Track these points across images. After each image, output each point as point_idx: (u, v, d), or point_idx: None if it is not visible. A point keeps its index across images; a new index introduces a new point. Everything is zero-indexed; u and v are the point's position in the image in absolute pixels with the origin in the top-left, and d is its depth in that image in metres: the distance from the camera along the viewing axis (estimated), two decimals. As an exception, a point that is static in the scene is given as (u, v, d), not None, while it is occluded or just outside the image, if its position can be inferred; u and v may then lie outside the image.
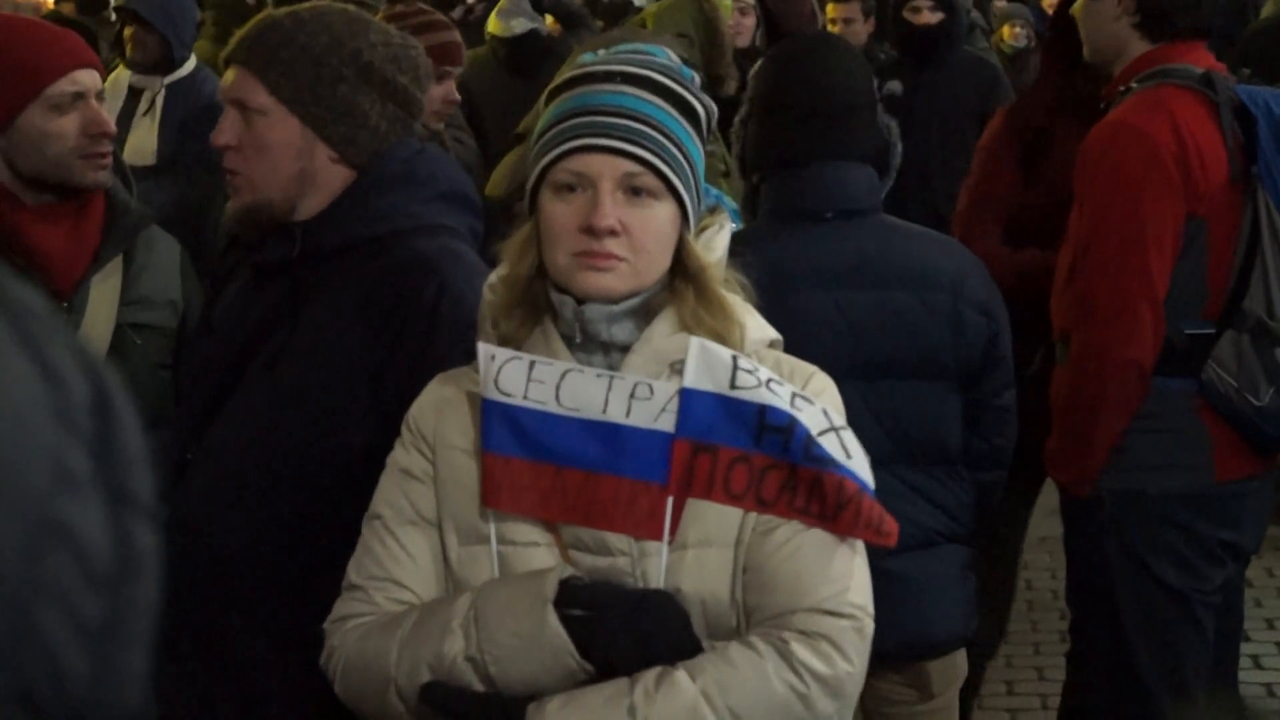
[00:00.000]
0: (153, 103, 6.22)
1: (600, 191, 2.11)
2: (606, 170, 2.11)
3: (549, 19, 7.73)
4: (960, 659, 3.32)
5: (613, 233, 2.10)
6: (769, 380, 2.13)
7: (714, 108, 2.27)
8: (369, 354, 2.53)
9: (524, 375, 2.14)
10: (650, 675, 2.03)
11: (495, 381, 2.14)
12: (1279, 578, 5.91)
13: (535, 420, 2.13)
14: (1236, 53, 4.54)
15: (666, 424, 2.11)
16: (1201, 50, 3.45)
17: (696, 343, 2.12)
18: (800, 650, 2.04)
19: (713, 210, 2.28)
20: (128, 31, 6.53)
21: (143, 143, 6.25)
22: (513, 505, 2.15)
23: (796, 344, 2.86)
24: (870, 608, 2.12)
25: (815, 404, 2.15)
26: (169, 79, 6.37)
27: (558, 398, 2.12)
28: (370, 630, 2.17)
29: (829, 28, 7.20)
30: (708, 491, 2.11)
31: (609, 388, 2.12)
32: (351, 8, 2.75)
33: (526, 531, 2.16)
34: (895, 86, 5.74)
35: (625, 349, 2.16)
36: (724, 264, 2.24)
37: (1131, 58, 3.41)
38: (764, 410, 2.10)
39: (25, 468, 0.67)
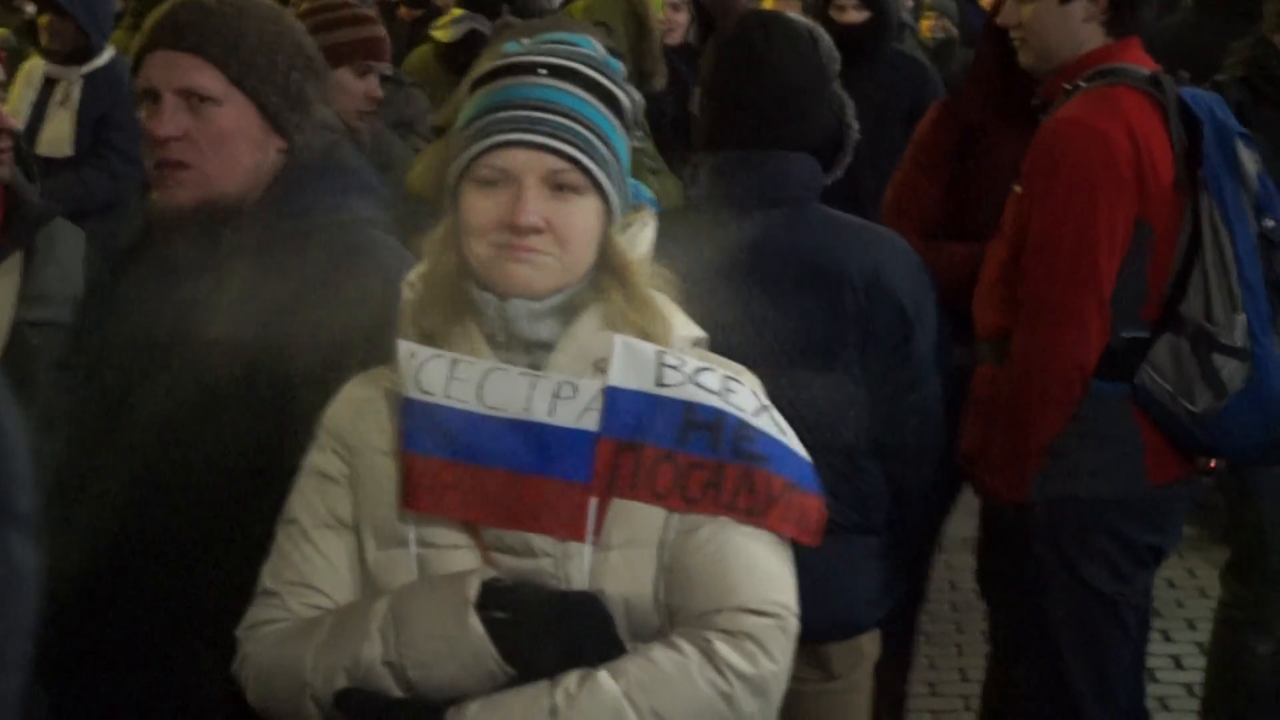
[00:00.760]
0: (69, 93, 6.14)
1: (524, 188, 2.09)
2: (530, 166, 2.09)
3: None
4: (867, 641, 3.31)
5: (536, 230, 2.09)
6: (697, 371, 2.12)
7: (640, 99, 2.25)
8: (311, 345, 2.45)
9: (445, 373, 2.12)
10: (572, 677, 2.01)
11: (416, 379, 2.12)
12: (1200, 578, 5.98)
13: (457, 419, 2.11)
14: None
15: (591, 423, 2.09)
16: (1140, 48, 3.47)
17: (620, 340, 2.11)
18: (724, 649, 2.03)
19: (637, 207, 2.26)
20: (43, 20, 6.44)
21: (59, 134, 6.17)
22: (433, 506, 2.12)
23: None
24: (795, 605, 2.12)
25: (744, 384, 2.16)
26: (86, 69, 6.30)
27: (480, 396, 2.11)
28: (285, 636, 2.14)
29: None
30: (632, 491, 2.09)
31: (532, 386, 2.11)
32: None
33: (447, 534, 2.13)
34: None
35: (549, 348, 2.15)
36: (649, 260, 2.23)
37: (1075, 53, 3.41)
38: (690, 407, 2.10)
39: None
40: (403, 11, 9.54)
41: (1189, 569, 6.06)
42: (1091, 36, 3.43)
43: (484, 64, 2.23)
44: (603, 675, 2.01)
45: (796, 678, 3.19)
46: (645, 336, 2.14)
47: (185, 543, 2.44)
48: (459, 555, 2.12)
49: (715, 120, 3.19)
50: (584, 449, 2.09)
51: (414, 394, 2.12)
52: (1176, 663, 5.38)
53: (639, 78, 4.91)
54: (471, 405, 2.10)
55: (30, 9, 7.10)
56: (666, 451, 2.09)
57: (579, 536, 2.08)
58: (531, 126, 2.09)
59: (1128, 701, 3.59)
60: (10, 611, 0.70)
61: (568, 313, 2.15)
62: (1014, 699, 3.73)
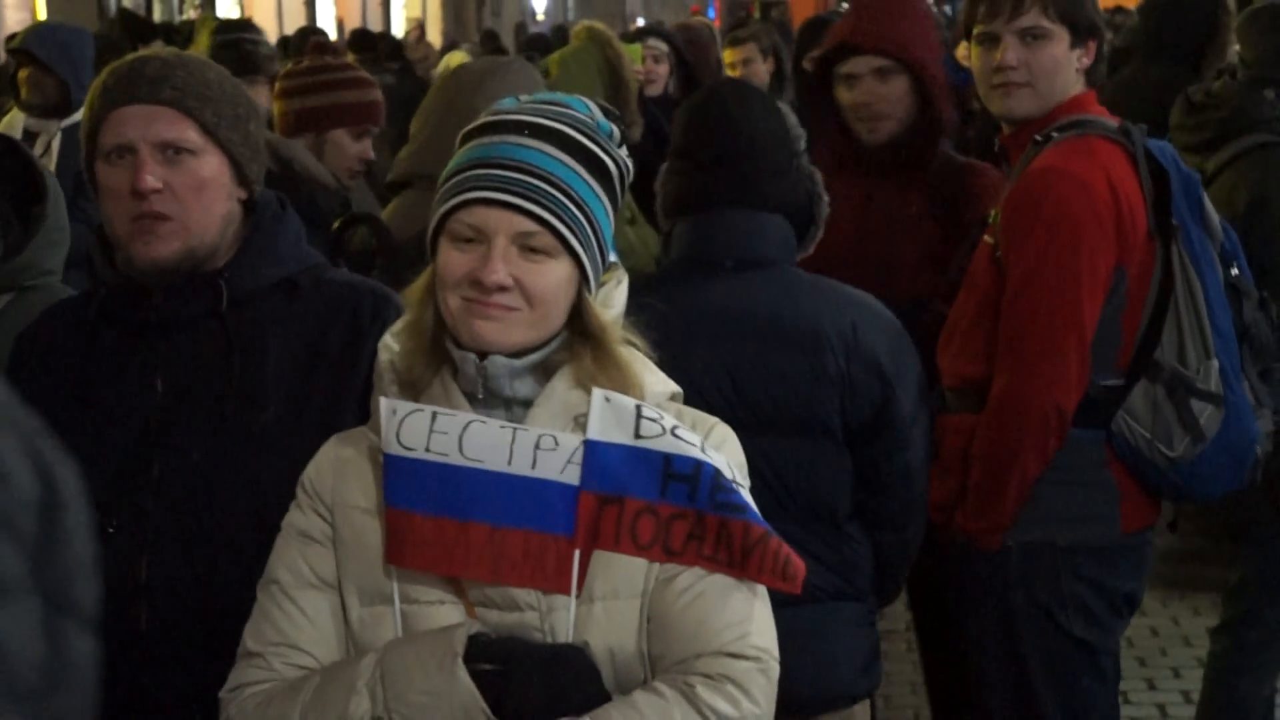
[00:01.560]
0: (49, 146, 6.16)
1: (493, 247, 2.11)
2: (502, 226, 2.11)
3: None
4: (859, 711, 3.30)
5: (502, 288, 2.10)
6: (674, 428, 2.15)
7: (629, 164, 2.26)
8: (341, 386, 2.50)
9: (426, 427, 2.14)
10: None
11: (397, 435, 2.14)
12: (1183, 626, 5.98)
13: (438, 473, 2.13)
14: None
15: (572, 476, 2.12)
16: (1096, 100, 3.52)
17: (599, 394, 2.14)
18: (706, 694, 2.05)
19: (610, 266, 2.28)
20: (23, 73, 6.46)
21: (39, 188, 6.15)
22: (417, 562, 2.14)
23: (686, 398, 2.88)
24: (775, 650, 2.15)
25: (719, 453, 2.18)
26: (65, 122, 6.31)
27: (461, 448, 2.13)
28: (270, 697, 2.14)
29: (729, 72, 7.26)
30: (615, 543, 2.11)
31: (513, 440, 2.14)
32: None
33: (430, 589, 2.15)
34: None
35: (527, 404, 2.17)
36: (621, 320, 2.25)
37: (1050, 104, 3.45)
38: (669, 459, 2.12)
39: None
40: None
41: (1173, 617, 6.06)
42: (1075, 85, 3.48)
43: (479, 118, 2.26)
44: None
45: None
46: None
47: (217, 594, 2.42)
48: (443, 610, 2.14)
49: (688, 181, 3.20)
50: (566, 502, 2.11)
51: (395, 450, 2.14)
52: (1162, 711, 5.38)
53: (614, 128, 4.95)
54: (453, 458, 2.12)
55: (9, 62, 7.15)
56: (648, 504, 2.12)
57: (564, 589, 2.10)
58: (505, 186, 2.12)
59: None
60: (60, 704, 0.68)
61: (544, 372, 2.18)
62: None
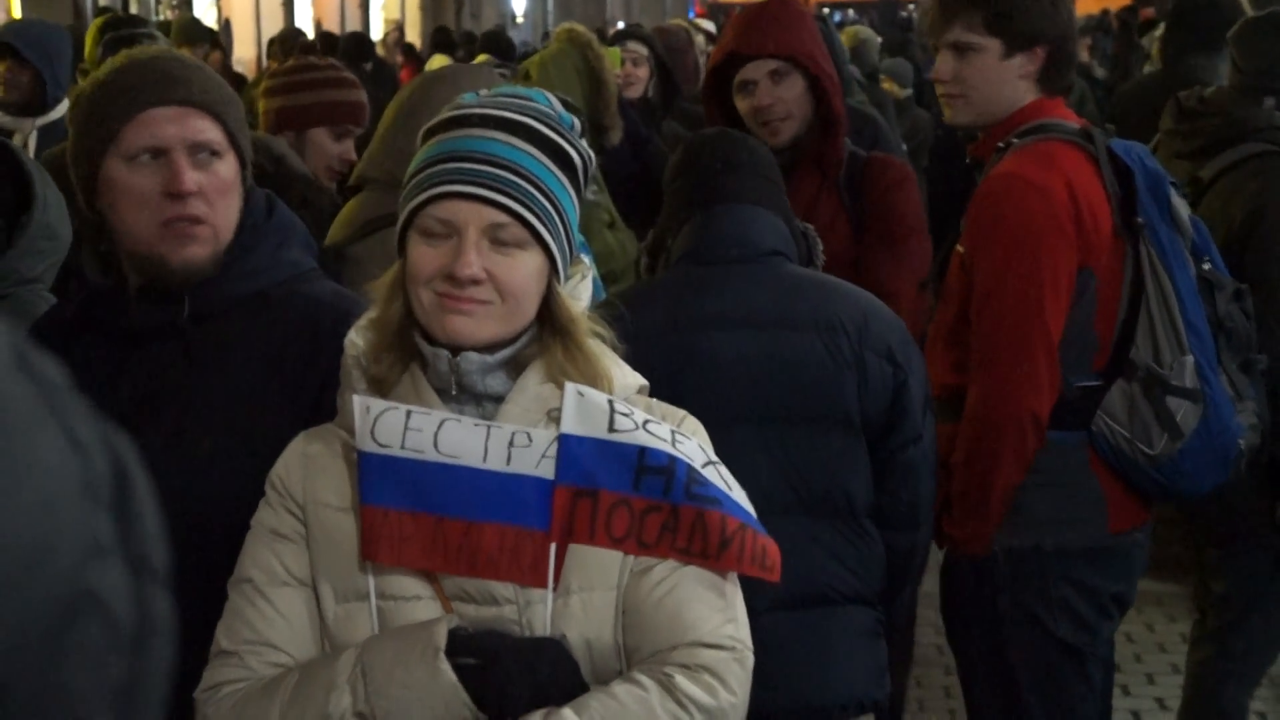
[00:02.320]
0: (25, 145, 6.09)
1: (465, 240, 2.13)
2: (472, 219, 2.13)
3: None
4: None
5: (475, 281, 2.12)
6: (646, 422, 2.19)
7: (591, 155, 2.29)
8: (295, 404, 2.47)
9: (400, 425, 2.16)
10: (537, 715, 2.05)
11: (371, 433, 2.15)
12: (1159, 633, 6.02)
13: (413, 470, 2.15)
14: (1110, 108, 4.72)
15: (546, 470, 2.15)
16: (1064, 105, 3.55)
17: (572, 389, 2.16)
18: (683, 683, 2.08)
19: (574, 261, 2.30)
20: (-1, 68, 6.43)
21: (10, 188, 6.13)
22: (393, 558, 2.16)
23: (696, 387, 2.92)
24: (749, 640, 2.18)
25: (691, 439, 2.22)
26: (41, 121, 6.29)
27: (436, 445, 2.15)
28: (248, 696, 2.15)
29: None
30: (590, 536, 2.14)
31: (487, 436, 2.16)
32: None
33: (407, 585, 2.17)
34: None
35: (498, 399, 2.19)
36: (588, 312, 2.27)
37: (1005, 111, 3.49)
38: (643, 452, 2.15)
39: (59, 540, 0.70)
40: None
41: (1148, 624, 6.10)
42: (1025, 93, 3.50)
43: (440, 114, 2.27)
44: (567, 712, 2.06)
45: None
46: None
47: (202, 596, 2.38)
48: (420, 606, 2.16)
49: (698, 183, 3.25)
50: (541, 497, 2.14)
51: (370, 447, 2.15)
52: (1136, 717, 5.42)
53: (595, 132, 4.97)
54: (428, 455, 2.14)
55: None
56: (622, 496, 2.14)
57: (540, 583, 2.12)
58: (474, 179, 2.13)
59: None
60: (151, 654, 0.75)
61: (515, 367, 2.20)
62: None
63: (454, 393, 2.17)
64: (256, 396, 2.51)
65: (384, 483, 2.14)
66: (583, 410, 2.15)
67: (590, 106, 5.10)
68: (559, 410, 2.16)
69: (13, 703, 0.68)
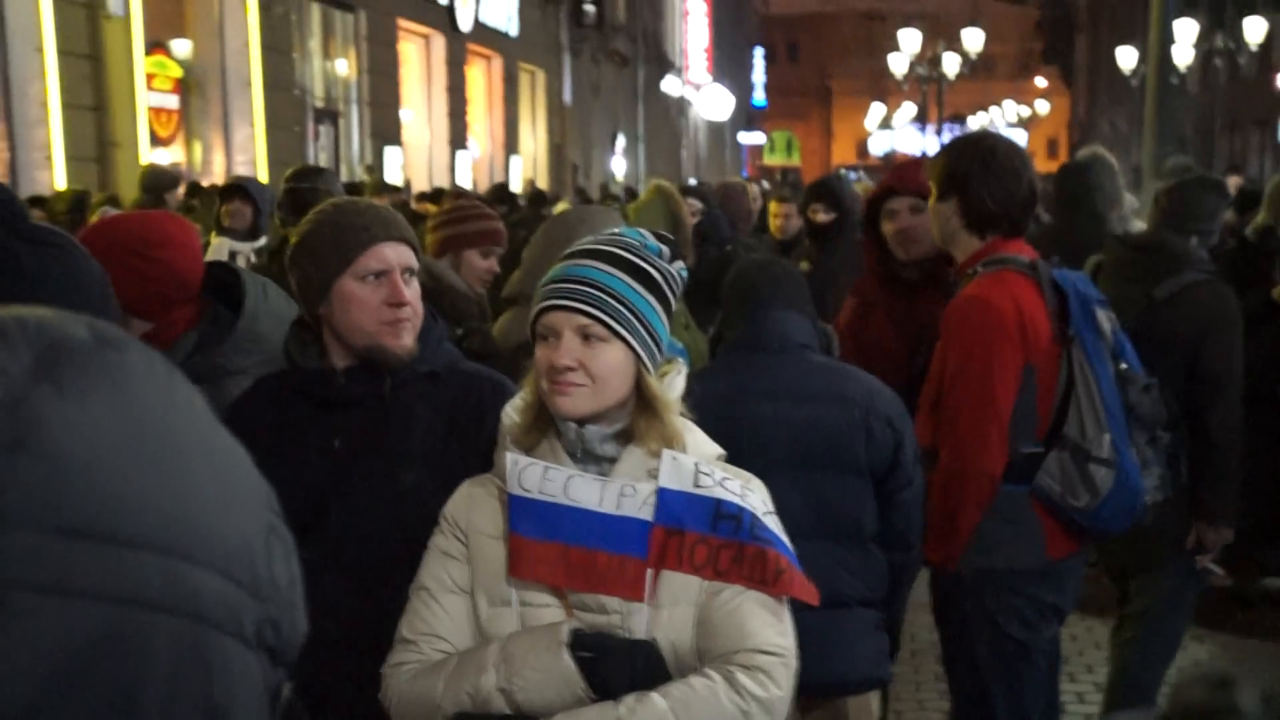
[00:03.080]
0: (248, 262, 6.21)
1: (561, 340, 2.14)
2: (566, 324, 2.14)
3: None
4: (874, 700, 3.31)
5: (569, 368, 2.12)
6: (723, 479, 2.17)
7: (671, 271, 2.24)
8: (469, 449, 2.49)
9: (540, 476, 2.16)
10: (631, 696, 2.06)
11: (519, 481, 2.16)
12: (1096, 634, 5.92)
13: (548, 510, 2.14)
14: (1047, 241, 4.75)
15: (646, 514, 2.14)
16: (1022, 243, 3.57)
17: (668, 454, 2.16)
18: (743, 679, 2.07)
19: (670, 359, 2.27)
20: (227, 208, 6.58)
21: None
22: (532, 574, 2.16)
23: (751, 443, 2.96)
24: (794, 648, 2.16)
25: (756, 494, 2.20)
26: (258, 244, 6.44)
27: (565, 492, 2.15)
28: (420, 672, 2.18)
29: (772, 220, 7.58)
30: (678, 565, 2.13)
31: (603, 487, 2.15)
32: None
33: (541, 595, 2.18)
34: (804, 266, 5.98)
35: (612, 460, 2.19)
36: (679, 399, 2.24)
37: (967, 249, 3.51)
38: (719, 503, 2.13)
39: (252, 485, 0.71)
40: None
41: (1088, 627, 5.99)
42: (960, 232, 3.49)
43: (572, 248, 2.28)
44: (655, 695, 2.06)
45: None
46: None
47: (377, 622, 2.33)
48: (550, 611, 2.16)
49: (748, 294, 3.29)
50: (642, 534, 2.13)
51: (517, 491, 2.16)
52: (1079, 698, 5.32)
53: (673, 257, 5.03)
54: (560, 499, 2.14)
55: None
56: (702, 535, 2.12)
57: (639, 598, 2.13)
58: (569, 295, 2.14)
59: (1040, 725, 3.63)
60: (298, 566, 0.71)
61: (625, 436, 2.19)
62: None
63: (579, 455, 2.18)
64: (442, 443, 2.53)
65: (526, 518, 2.15)
66: (675, 470, 2.14)
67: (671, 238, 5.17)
68: (657, 469, 2.15)
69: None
